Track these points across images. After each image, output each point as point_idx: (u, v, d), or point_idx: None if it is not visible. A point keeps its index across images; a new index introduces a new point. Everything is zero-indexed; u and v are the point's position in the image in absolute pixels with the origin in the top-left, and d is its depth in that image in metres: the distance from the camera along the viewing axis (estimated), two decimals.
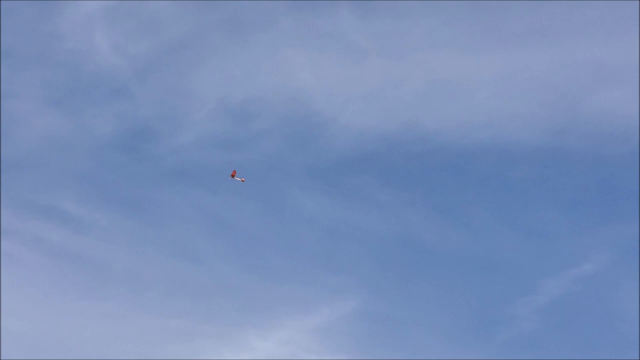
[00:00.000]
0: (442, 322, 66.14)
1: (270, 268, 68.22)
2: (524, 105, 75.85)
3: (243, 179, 63.80)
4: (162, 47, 77.88)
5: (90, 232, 68.52)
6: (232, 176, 63.14)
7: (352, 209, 72.29)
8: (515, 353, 63.56)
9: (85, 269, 66.60)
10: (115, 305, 64.62)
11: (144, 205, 70.40)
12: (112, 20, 77.70)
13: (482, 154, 74.71)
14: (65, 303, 64.22)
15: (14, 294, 63.29)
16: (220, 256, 68.68)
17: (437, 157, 75.11)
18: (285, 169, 74.10)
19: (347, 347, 63.96)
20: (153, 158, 73.48)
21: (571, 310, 66.02)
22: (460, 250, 70.13)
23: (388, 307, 66.83)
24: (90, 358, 61.12)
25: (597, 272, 67.06)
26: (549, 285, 66.61)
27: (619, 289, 66.17)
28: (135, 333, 62.99)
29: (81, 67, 75.94)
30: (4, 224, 66.26)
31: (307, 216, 71.64)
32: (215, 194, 71.51)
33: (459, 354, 63.66)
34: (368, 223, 71.49)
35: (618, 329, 64.46)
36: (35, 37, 76.00)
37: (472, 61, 77.83)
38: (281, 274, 67.93)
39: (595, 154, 73.40)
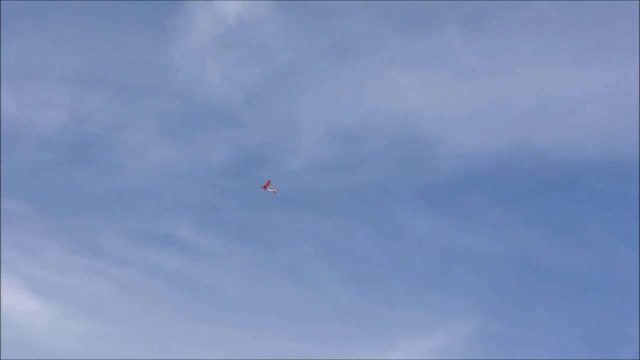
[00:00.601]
0: (560, 342, 65.16)
1: (384, 291, 68.30)
2: (637, 118, 74.50)
3: (275, 190, 63.77)
4: (271, 73, 79.07)
5: (206, 258, 69.82)
6: (265, 187, 63.00)
7: (465, 229, 71.97)
8: None
9: (202, 295, 67.91)
10: (231, 331, 65.46)
11: (257, 230, 71.21)
12: (223, 50, 79.31)
13: (596, 169, 73.64)
14: (183, 328, 65.42)
15: (134, 320, 65.40)
16: (334, 280, 69.09)
17: (549, 174, 74.32)
18: (396, 191, 74.18)
19: None
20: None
21: None
22: (576, 269, 69.11)
23: (504, 328, 66.22)
24: None
25: None
26: None
27: None
28: (251, 358, 63.89)
29: (194, 97, 77.66)
30: (122, 252, 68.69)
31: (419, 238, 71.56)
32: (328, 217, 72.02)
33: None
34: (481, 243, 71.07)
35: None
36: (150, 69, 78.13)
37: (582, 76, 76.71)
38: (396, 296, 67.92)
39: None
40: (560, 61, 77.21)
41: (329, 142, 76.35)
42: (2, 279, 64.14)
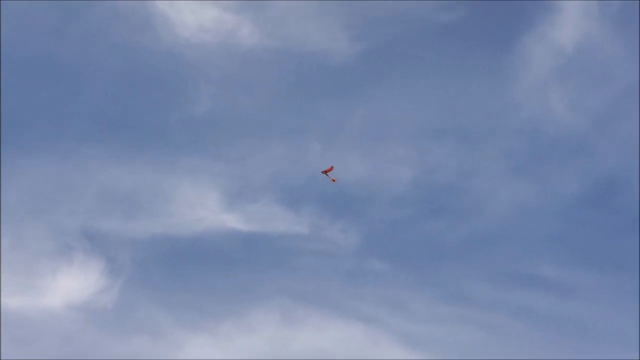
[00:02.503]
0: None
1: None
2: None
3: (335, 179, 59.71)
4: (617, 96, 76.64)
5: (573, 294, 68.18)
6: (326, 173, 59.07)
7: None
8: None
9: (572, 333, 66.47)
10: None
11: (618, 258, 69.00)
12: (564, 80, 77.88)
13: None
14: None
15: None
16: None
17: None
18: None
19: None
20: (621, 210, 72.04)
21: None
22: None
23: None
24: None
25: None
26: None
27: None
28: None
29: (539, 132, 76.52)
30: (487, 297, 68.73)
31: None
32: None
33: None
34: None
35: None
36: (492, 112, 78.34)
37: None
38: None
39: None
40: None
41: None
42: None
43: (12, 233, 68.54)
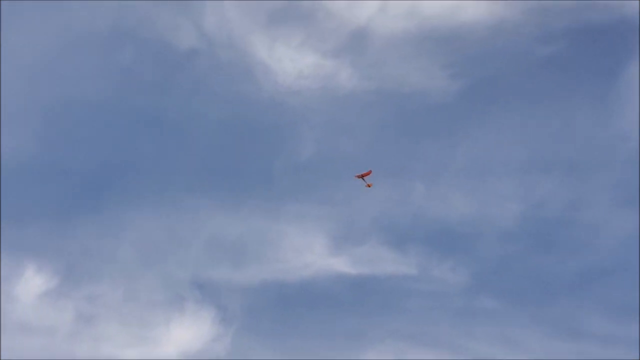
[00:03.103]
0: None
1: None
2: None
3: (370, 184, 57.50)
4: None
5: None
6: (362, 177, 56.96)
7: None
8: None
9: None
10: None
11: None
12: None
13: None
14: None
15: None
16: None
17: None
18: None
19: None
20: None
21: None
22: None
23: None
24: None
25: None
26: None
27: None
28: None
29: None
30: (604, 331, 67.31)
31: None
32: None
33: None
34: None
35: None
36: (594, 143, 76.95)
37: None
38: None
39: None
40: None
41: None
42: None
43: (126, 285, 70.13)
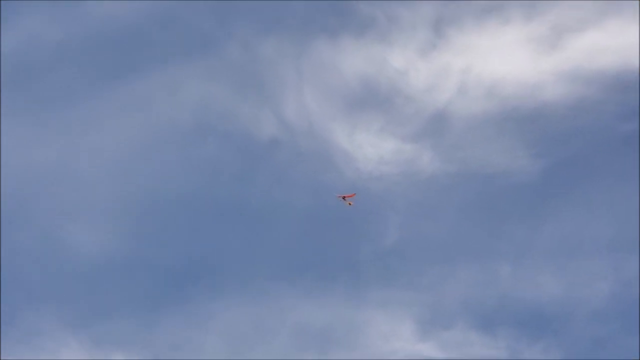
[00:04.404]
0: None
1: None
2: None
3: (351, 203, 54.98)
4: None
5: None
6: (344, 198, 54.51)
7: None
8: None
9: None
10: None
11: None
12: None
13: None
14: None
15: None
16: None
17: None
18: None
19: None
20: None
21: None
22: None
23: None
24: None
25: None
26: None
27: None
28: None
29: None
30: None
31: None
32: None
33: None
34: None
35: None
36: None
37: None
38: None
39: None
40: None
41: None
42: None
43: None
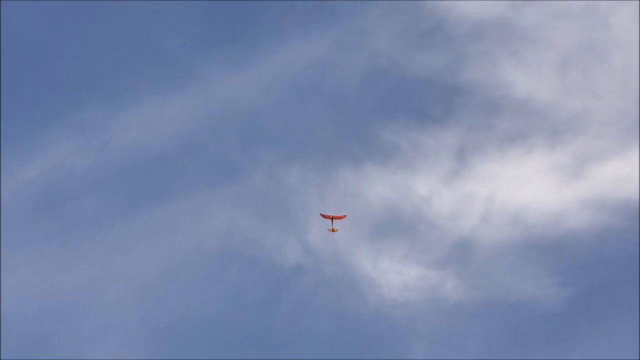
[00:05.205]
0: None
1: None
2: None
3: (335, 229, 53.41)
4: None
5: None
6: (330, 218, 52.96)
7: None
8: None
9: None
10: None
11: None
12: None
13: None
14: None
15: None
16: None
17: None
18: None
19: None
20: None
21: None
22: None
23: None
24: None
25: None
26: None
27: None
28: None
29: None
30: None
31: None
32: None
33: None
34: None
35: None
36: None
37: None
38: None
39: None
40: None
41: None
42: None
43: None
